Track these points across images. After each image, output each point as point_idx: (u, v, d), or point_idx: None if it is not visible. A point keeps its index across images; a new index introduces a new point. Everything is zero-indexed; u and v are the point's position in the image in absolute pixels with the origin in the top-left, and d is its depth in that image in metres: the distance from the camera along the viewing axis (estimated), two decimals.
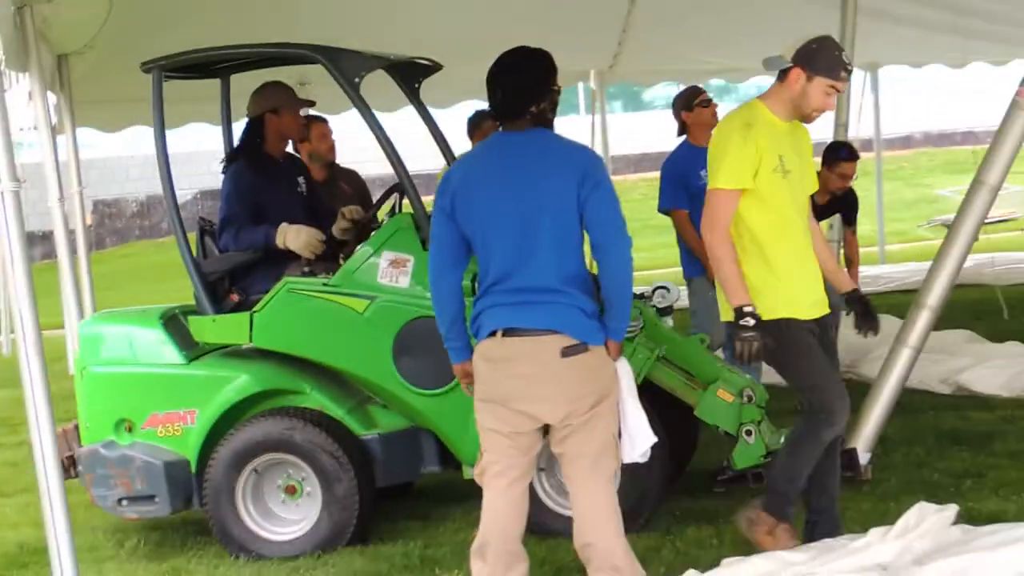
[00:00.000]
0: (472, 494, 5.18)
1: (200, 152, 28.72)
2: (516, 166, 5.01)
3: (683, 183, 8.61)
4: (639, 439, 5.19)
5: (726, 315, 5.66)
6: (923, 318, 6.73)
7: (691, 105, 8.81)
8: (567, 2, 12.30)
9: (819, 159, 9.71)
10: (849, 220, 9.82)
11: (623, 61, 14.77)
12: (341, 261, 6.72)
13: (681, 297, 6.95)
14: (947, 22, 14.49)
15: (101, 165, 28.29)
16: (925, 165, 34.30)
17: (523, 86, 5.07)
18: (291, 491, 6.52)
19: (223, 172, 7.12)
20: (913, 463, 7.27)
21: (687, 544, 6.10)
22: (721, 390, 6.37)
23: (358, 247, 6.74)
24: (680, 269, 8.97)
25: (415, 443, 6.67)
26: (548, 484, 6.41)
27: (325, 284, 6.53)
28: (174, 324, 6.79)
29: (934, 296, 6.66)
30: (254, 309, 6.57)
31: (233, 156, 7.15)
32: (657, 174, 9.34)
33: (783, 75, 5.55)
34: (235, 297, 6.76)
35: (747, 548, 5.91)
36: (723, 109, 8.70)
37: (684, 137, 8.83)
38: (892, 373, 6.83)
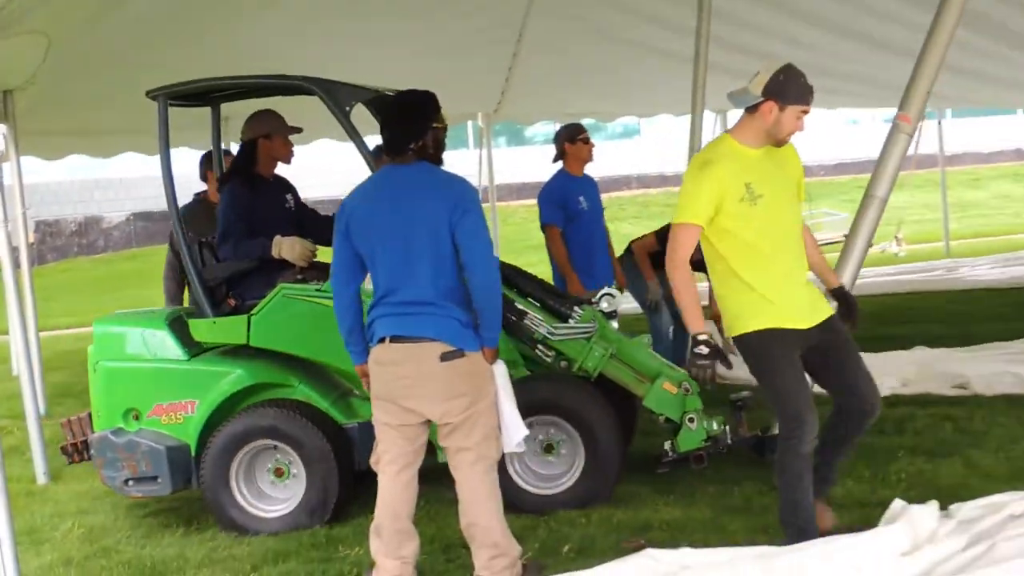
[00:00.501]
0: (375, 480, 5.18)
1: (132, 178, 28.32)
2: (399, 195, 5.09)
3: (562, 205, 8.61)
4: (514, 433, 5.23)
5: (728, 330, 5.45)
6: None
7: (574, 138, 8.83)
8: (460, 55, 12.44)
9: None
10: None
11: (507, 104, 14.89)
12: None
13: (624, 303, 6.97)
14: None
15: (44, 189, 27.88)
16: None
17: (405, 125, 5.13)
18: (279, 473, 6.46)
19: (218, 191, 7.03)
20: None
21: (559, 523, 6.07)
22: (666, 383, 6.40)
23: None
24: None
25: None
26: (519, 468, 6.42)
27: (317, 289, 6.48)
28: (178, 325, 6.69)
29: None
30: (252, 312, 6.51)
31: (227, 176, 7.04)
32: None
33: (754, 108, 5.30)
34: (232, 302, 6.67)
35: (613, 525, 5.98)
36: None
37: (561, 166, 8.87)
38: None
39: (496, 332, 5.16)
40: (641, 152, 32.53)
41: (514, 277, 6.64)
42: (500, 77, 13.92)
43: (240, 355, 6.66)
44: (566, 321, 6.47)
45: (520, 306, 6.46)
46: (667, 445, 6.43)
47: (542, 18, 12.77)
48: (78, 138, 12.55)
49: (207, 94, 6.99)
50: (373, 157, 6.86)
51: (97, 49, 9.54)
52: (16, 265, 8.12)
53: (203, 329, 6.58)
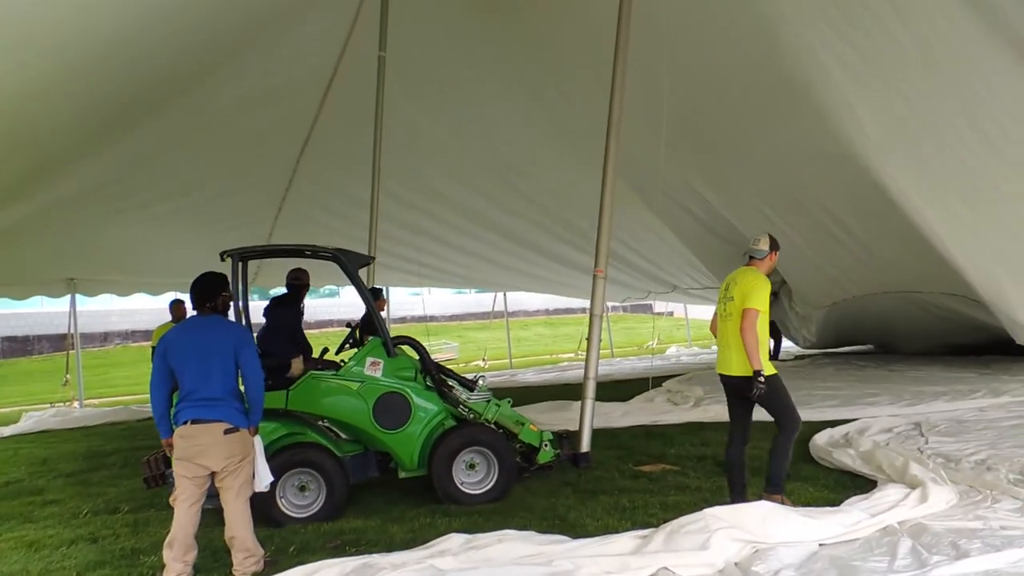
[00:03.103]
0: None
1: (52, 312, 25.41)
2: (200, 333, 4.55)
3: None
4: (263, 479, 4.74)
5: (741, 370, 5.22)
6: (591, 385, 6.73)
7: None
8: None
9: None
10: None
11: (260, 276, 14.51)
12: (341, 362, 6.11)
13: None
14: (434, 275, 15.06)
15: (10, 316, 25.68)
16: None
17: (204, 292, 4.65)
18: (302, 488, 5.75)
19: (266, 312, 6.52)
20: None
21: (287, 533, 5.36)
22: (531, 425, 6.29)
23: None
24: None
25: (366, 460, 6.05)
26: (459, 482, 6.02)
27: (335, 374, 5.93)
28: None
29: (592, 370, 6.76)
30: (289, 388, 5.88)
31: (277, 302, 6.52)
32: None
33: (764, 256, 5.35)
34: (269, 381, 5.75)
35: (321, 533, 5.26)
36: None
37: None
38: (587, 412, 6.72)
39: (259, 417, 4.59)
40: (339, 305, 33.12)
41: (444, 370, 6.37)
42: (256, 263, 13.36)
43: (276, 415, 5.91)
44: (472, 391, 6.21)
45: (451, 383, 6.15)
46: (519, 460, 6.29)
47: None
48: (34, 287, 12.81)
49: (248, 254, 6.00)
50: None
51: (43, 246, 9.45)
52: None
53: None
